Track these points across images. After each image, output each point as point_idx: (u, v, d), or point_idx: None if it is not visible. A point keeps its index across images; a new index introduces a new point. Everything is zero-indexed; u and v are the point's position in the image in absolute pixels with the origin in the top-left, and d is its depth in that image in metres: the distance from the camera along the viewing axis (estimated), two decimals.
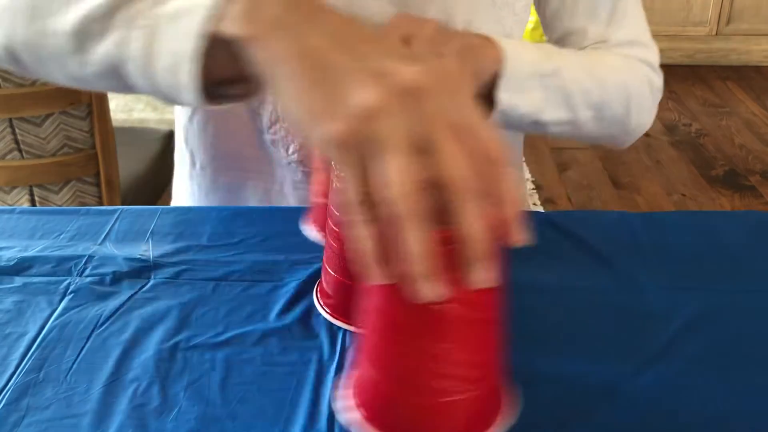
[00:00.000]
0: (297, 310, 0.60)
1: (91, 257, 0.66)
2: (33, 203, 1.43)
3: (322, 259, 0.60)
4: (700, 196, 2.44)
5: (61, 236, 0.70)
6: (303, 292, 0.62)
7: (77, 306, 0.60)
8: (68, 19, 0.53)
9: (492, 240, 0.39)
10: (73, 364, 0.54)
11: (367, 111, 0.39)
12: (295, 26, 0.42)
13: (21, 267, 0.65)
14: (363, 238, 0.39)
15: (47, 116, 1.34)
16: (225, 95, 0.51)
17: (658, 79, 0.81)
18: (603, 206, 2.36)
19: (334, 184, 0.56)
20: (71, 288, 0.62)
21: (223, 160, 0.85)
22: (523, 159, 0.98)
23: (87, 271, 0.64)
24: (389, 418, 0.48)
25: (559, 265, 0.66)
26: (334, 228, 0.57)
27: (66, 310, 0.60)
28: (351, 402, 0.50)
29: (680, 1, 3.40)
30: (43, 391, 0.52)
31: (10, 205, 1.36)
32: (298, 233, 0.70)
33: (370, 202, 0.39)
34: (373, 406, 0.48)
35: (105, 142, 1.38)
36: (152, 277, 0.64)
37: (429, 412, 0.47)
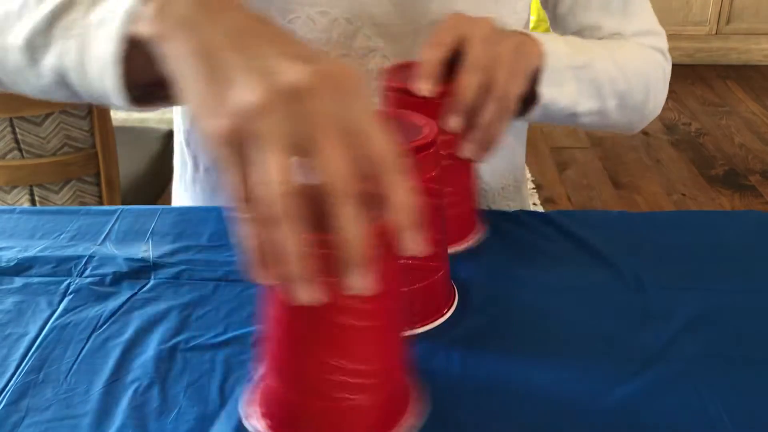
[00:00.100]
0: None
1: (91, 257, 0.66)
2: (33, 203, 1.43)
3: None
4: (700, 196, 2.44)
5: (61, 236, 0.70)
6: None
7: (77, 306, 0.60)
8: (19, 34, 0.55)
9: (372, 246, 0.39)
10: (73, 364, 0.54)
11: (247, 109, 0.39)
12: (199, 24, 0.43)
13: (21, 267, 0.65)
14: (246, 237, 0.39)
15: (47, 116, 1.34)
16: (156, 98, 0.51)
17: (668, 66, 0.84)
18: (603, 206, 2.36)
19: None
20: (71, 288, 0.62)
21: None
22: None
23: (87, 272, 0.64)
24: (292, 426, 0.47)
25: (559, 265, 0.66)
26: None
27: (66, 310, 0.60)
28: (256, 411, 0.49)
29: (680, 1, 3.40)
30: (43, 391, 0.52)
31: (10, 205, 1.36)
32: None
33: (252, 200, 0.39)
34: (276, 414, 0.48)
35: (105, 141, 1.38)
36: (152, 277, 0.64)
37: (329, 419, 0.46)
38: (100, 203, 1.45)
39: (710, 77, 3.37)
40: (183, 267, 0.65)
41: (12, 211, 0.74)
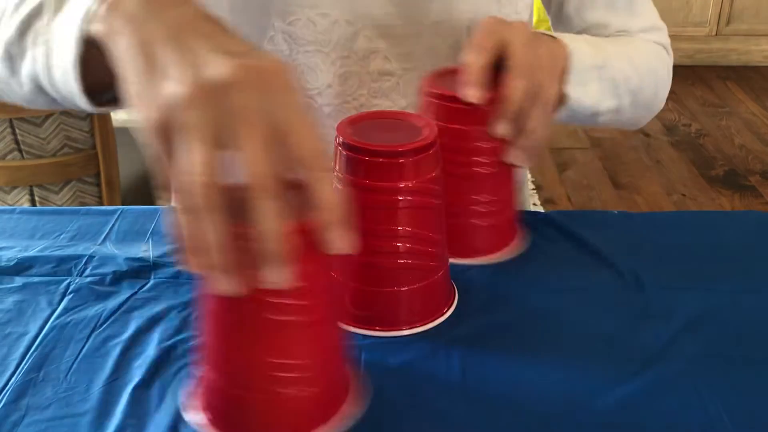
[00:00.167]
0: None
1: (91, 257, 0.66)
2: (33, 203, 1.43)
3: None
4: (700, 196, 2.44)
5: (61, 236, 0.70)
6: None
7: (77, 306, 0.60)
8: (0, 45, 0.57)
9: (290, 242, 0.40)
10: (73, 363, 0.54)
11: (174, 101, 0.39)
12: (143, 21, 0.44)
13: (21, 267, 0.65)
14: (177, 226, 0.40)
15: (47, 116, 1.34)
16: (120, 97, 0.51)
17: (671, 61, 0.85)
18: (603, 206, 2.36)
19: (333, 185, 0.56)
20: (71, 288, 0.62)
21: (234, 160, 0.85)
22: None
23: (87, 271, 0.64)
24: (229, 419, 0.48)
25: (559, 265, 0.66)
26: None
27: (66, 310, 0.60)
28: (196, 404, 0.50)
29: (680, 1, 3.40)
30: (43, 390, 0.52)
31: (10, 205, 1.36)
32: None
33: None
34: (214, 407, 0.49)
35: (105, 142, 1.38)
36: (152, 277, 0.64)
37: (265, 411, 0.47)
38: (100, 203, 1.45)
39: (710, 78, 3.37)
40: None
41: (12, 211, 0.74)
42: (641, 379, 0.53)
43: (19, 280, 0.63)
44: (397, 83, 0.78)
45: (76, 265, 0.65)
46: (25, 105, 0.63)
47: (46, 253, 0.67)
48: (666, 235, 0.71)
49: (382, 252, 0.56)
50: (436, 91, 0.62)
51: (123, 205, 0.99)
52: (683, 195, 2.45)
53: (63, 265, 0.65)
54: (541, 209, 2.28)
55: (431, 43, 0.77)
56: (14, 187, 1.42)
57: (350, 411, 0.50)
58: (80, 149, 1.41)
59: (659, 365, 0.54)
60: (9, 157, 1.38)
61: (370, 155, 0.53)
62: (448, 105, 0.61)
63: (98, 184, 1.46)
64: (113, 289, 0.62)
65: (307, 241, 0.42)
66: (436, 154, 0.56)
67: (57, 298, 0.61)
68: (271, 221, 0.39)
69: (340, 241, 0.41)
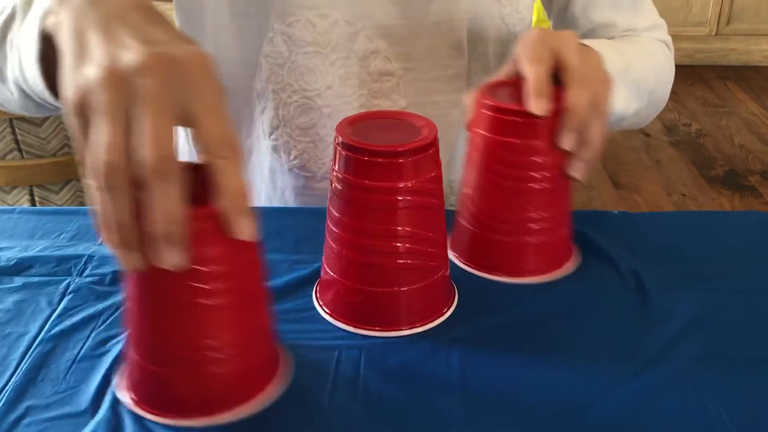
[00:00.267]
0: (296, 310, 0.60)
1: (91, 257, 0.66)
2: (33, 203, 1.43)
3: (321, 259, 0.60)
4: (700, 196, 2.44)
5: (61, 236, 0.70)
6: (302, 292, 0.62)
7: (77, 305, 0.60)
8: None
9: (186, 225, 0.41)
10: (73, 363, 0.54)
11: (88, 83, 0.41)
12: (82, 11, 0.46)
13: (21, 267, 0.65)
14: (94, 204, 0.42)
15: (47, 117, 1.34)
16: None
17: (672, 58, 0.85)
18: (603, 206, 2.36)
19: (332, 185, 0.56)
20: (71, 288, 0.62)
21: None
22: None
23: (87, 271, 0.64)
24: (152, 396, 0.50)
25: None
26: (334, 228, 0.57)
27: (66, 309, 0.60)
28: (122, 383, 0.52)
29: (680, 1, 3.40)
30: (42, 390, 0.52)
31: (10, 205, 1.36)
32: (298, 233, 0.70)
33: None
34: (138, 386, 0.50)
35: None
36: None
37: (186, 389, 0.49)
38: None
39: (710, 78, 3.37)
40: None
41: (12, 211, 0.74)
42: (641, 379, 0.53)
43: (18, 280, 0.63)
44: (397, 83, 0.78)
45: (75, 265, 0.65)
46: (24, 113, 0.66)
47: (46, 253, 0.67)
48: (666, 235, 0.71)
49: (381, 252, 0.56)
50: (492, 103, 0.60)
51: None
52: (683, 195, 2.45)
53: (63, 265, 0.65)
54: None
55: (431, 43, 0.77)
56: (14, 187, 1.42)
57: (275, 389, 0.51)
58: None
59: (659, 365, 0.54)
60: (9, 157, 1.38)
61: (370, 155, 0.53)
62: (503, 118, 0.59)
63: None
64: (113, 289, 0.62)
65: (216, 226, 0.43)
66: (435, 154, 0.56)
67: (57, 298, 0.61)
68: (166, 203, 0.40)
69: (242, 227, 0.43)
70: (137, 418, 0.49)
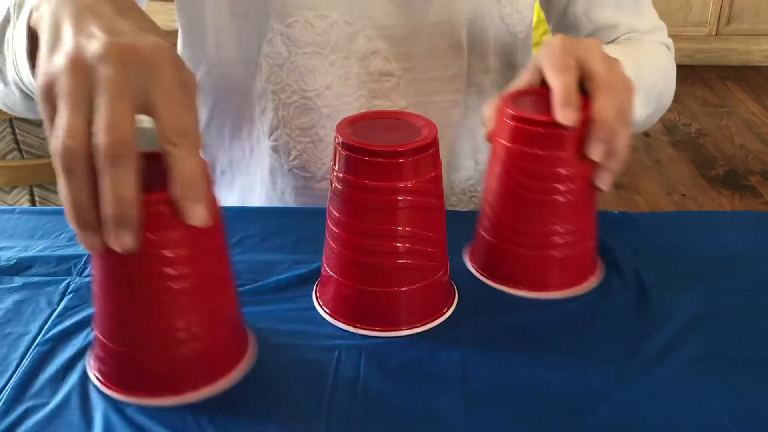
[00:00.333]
0: (296, 310, 0.60)
1: (90, 257, 0.66)
2: (33, 203, 1.43)
3: (321, 259, 0.60)
4: (700, 196, 2.44)
5: (61, 236, 0.70)
6: (302, 292, 0.62)
7: (77, 305, 0.60)
8: None
9: (135, 210, 0.43)
10: (73, 363, 0.54)
11: (55, 70, 0.43)
12: (60, 5, 0.47)
13: (21, 267, 0.65)
14: (60, 188, 0.43)
15: None
16: None
17: (673, 59, 0.86)
18: (603, 206, 2.34)
19: (332, 185, 0.56)
20: (71, 287, 0.62)
21: (239, 162, 0.86)
22: None
23: (86, 271, 0.64)
24: (118, 376, 0.51)
25: None
26: (334, 228, 0.57)
27: (66, 309, 0.60)
28: (91, 364, 0.53)
29: (680, 1, 3.40)
30: (42, 390, 0.52)
31: (10, 205, 1.36)
32: (298, 233, 0.70)
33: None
34: (104, 366, 0.52)
35: None
36: None
37: (153, 370, 0.50)
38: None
39: (710, 78, 3.37)
40: None
41: (12, 211, 0.74)
42: (641, 379, 0.53)
43: (18, 280, 0.63)
44: (397, 84, 0.78)
45: (75, 265, 0.65)
46: (31, 115, 0.67)
47: (46, 252, 0.67)
48: (666, 235, 0.71)
49: (381, 252, 0.56)
50: (515, 113, 0.58)
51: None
52: (683, 195, 2.45)
53: (62, 265, 0.65)
54: None
55: (431, 44, 0.77)
56: (14, 187, 1.42)
57: (240, 369, 0.53)
58: None
59: (659, 365, 0.54)
60: (9, 157, 1.38)
61: (370, 155, 0.53)
62: (528, 128, 0.58)
63: None
64: None
65: (167, 212, 0.45)
66: (435, 154, 0.56)
67: (57, 298, 0.61)
68: (118, 187, 0.42)
69: (193, 212, 0.44)
70: (108, 400, 0.51)
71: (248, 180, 0.87)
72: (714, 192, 2.46)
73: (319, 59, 0.75)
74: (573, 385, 0.53)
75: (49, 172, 1.40)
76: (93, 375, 0.53)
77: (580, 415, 0.50)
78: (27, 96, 0.61)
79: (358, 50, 0.76)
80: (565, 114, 0.56)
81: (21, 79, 0.59)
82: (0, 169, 1.37)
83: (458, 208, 0.87)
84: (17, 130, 1.36)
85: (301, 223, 0.72)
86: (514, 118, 0.58)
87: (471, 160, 0.85)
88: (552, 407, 0.51)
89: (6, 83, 0.65)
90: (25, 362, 0.54)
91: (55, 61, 0.44)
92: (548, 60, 0.60)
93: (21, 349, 0.56)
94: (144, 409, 0.50)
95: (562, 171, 0.58)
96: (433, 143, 0.55)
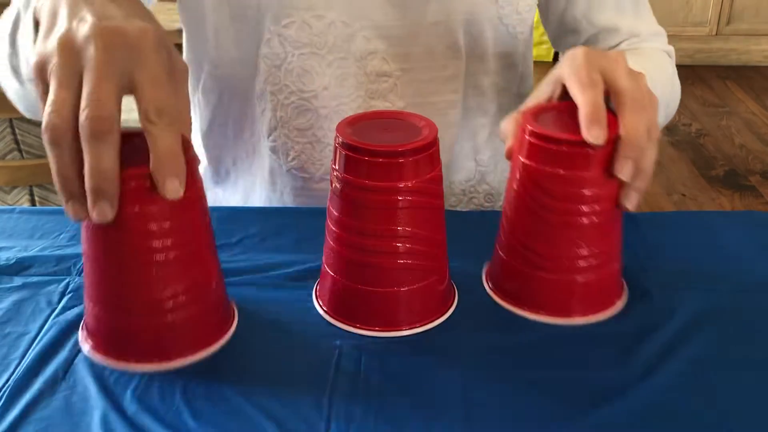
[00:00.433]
0: (296, 310, 0.60)
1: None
2: (33, 203, 1.43)
3: (321, 259, 0.60)
4: (700, 196, 2.44)
5: (61, 236, 0.70)
6: (302, 292, 0.62)
7: (77, 305, 0.60)
8: (4, 61, 0.67)
9: (113, 183, 0.45)
10: (72, 363, 0.54)
11: (48, 51, 0.46)
12: None
13: (20, 267, 0.65)
14: (49, 160, 0.46)
15: None
16: None
17: (674, 66, 0.85)
18: None
19: (333, 185, 0.56)
20: (70, 287, 0.62)
21: (242, 163, 0.86)
22: None
23: None
24: (110, 344, 0.54)
25: None
26: (334, 228, 0.57)
27: (65, 309, 0.60)
28: (83, 335, 0.56)
29: (680, 1, 3.40)
30: (42, 390, 0.52)
31: (10, 205, 1.36)
32: (298, 233, 0.70)
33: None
34: (97, 334, 0.54)
35: None
36: None
37: (143, 336, 0.53)
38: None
39: (710, 78, 3.37)
40: None
41: (12, 211, 0.74)
42: (641, 380, 0.53)
43: (18, 280, 0.63)
44: (394, 84, 0.78)
45: (75, 265, 0.65)
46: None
47: (46, 252, 0.67)
48: (666, 235, 0.71)
49: (381, 252, 0.56)
50: (539, 131, 0.55)
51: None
52: (683, 195, 2.45)
53: (62, 265, 0.65)
54: None
55: (428, 44, 0.77)
56: (14, 187, 1.42)
57: (225, 336, 0.56)
58: None
59: (659, 365, 0.54)
60: (9, 156, 1.38)
61: (370, 155, 0.53)
62: (551, 147, 0.54)
63: None
64: None
65: (149, 186, 0.47)
66: (435, 154, 0.56)
67: (56, 298, 0.61)
68: (98, 160, 0.44)
69: (167, 186, 0.47)
70: (108, 399, 0.51)
71: (250, 180, 0.87)
72: (714, 192, 2.46)
73: (316, 60, 0.75)
74: (573, 386, 0.53)
75: (49, 172, 1.40)
76: (84, 344, 0.55)
77: (580, 415, 0.50)
78: None
79: (356, 51, 0.75)
80: (592, 132, 0.53)
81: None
82: (0, 169, 1.37)
83: (458, 209, 0.87)
84: (17, 130, 1.35)
85: (300, 223, 0.72)
86: (536, 135, 0.55)
87: (471, 160, 0.85)
88: (552, 407, 0.51)
89: (22, 82, 0.67)
90: (25, 362, 0.54)
91: (48, 43, 0.47)
92: (573, 74, 0.56)
93: (21, 349, 0.56)
94: (144, 409, 0.50)
95: (587, 191, 0.55)
96: (433, 143, 0.55)
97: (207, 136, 0.86)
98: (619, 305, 0.61)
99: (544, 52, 3.18)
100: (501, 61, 0.81)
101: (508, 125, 0.60)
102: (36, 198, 1.43)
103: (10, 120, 1.33)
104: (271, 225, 0.72)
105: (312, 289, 0.62)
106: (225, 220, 0.72)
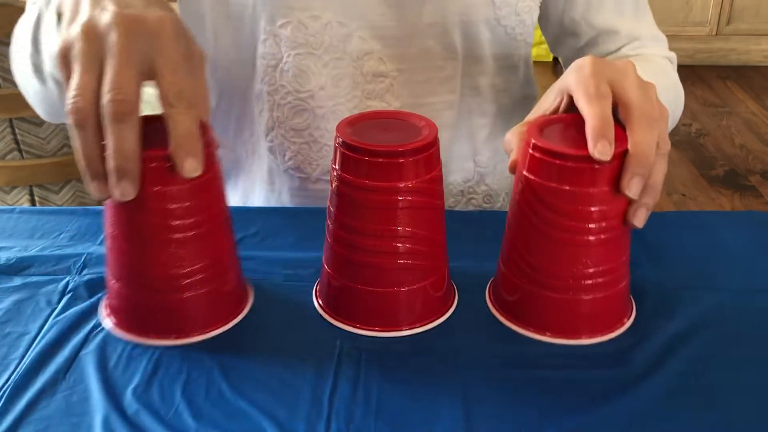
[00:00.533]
0: (296, 310, 0.60)
1: (90, 256, 0.66)
2: (33, 203, 1.43)
3: (321, 259, 0.60)
4: (700, 196, 2.44)
5: (61, 236, 0.70)
6: (302, 292, 0.62)
7: (77, 305, 0.60)
8: (26, 62, 0.69)
9: (134, 163, 0.48)
10: (72, 363, 0.54)
11: (71, 37, 0.48)
12: None
13: (20, 266, 0.65)
14: (73, 142, 0.48)
15: None
16: None
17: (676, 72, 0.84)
18: None
19: (333, 185, 0.56)
20: (70, 287, 0.62)
21: (242, 163, 0.86)
22: None
23: (86, 270, 0.64)
24: (132, 319, 0.56)
25: None
26: (334, 228, 0.57)
27: (65, 309, 0.60)
28: (105, 312, 0.58)
29: (680, 1, 3.40)
30: (42, 390, 0.52)
31: (10, 205, 1.36)
32: (298, 233, 0.70)
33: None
34: (120, 310, 0.57)
35: None
36: None
37: (164, 311, 0.55)
38: (100, 204, 1.44)
39: (710, 78, 3.37)
40: None
41: (12, 211, 0.74)
42: (641, 380, 0.53)
43: (18, 280, 0.63)
44: (390, 85, 0.78)
45: (74, 264, 0.65)
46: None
47: (46, 252, 0.67)
48: (666, 235, 0.71)
49: (381, 252, 0.56)
50: (543, 145, 0.53)
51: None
52: (683, 195, 2.45)
53: (62, 264, 0.65)
54: None
55: (424, 45, 0.77)
56: (14, 187, 1.42)
57: (242, 313, 0.59)
58: None
59: (659, 366, 0.54)
60: (9, 156, 1.38)
61: (370, 155, 0.53)
62: (557, 162, 0.52)
63: None
64: None
65: (169, 167, 0.49)
66: (435, 154, 0.56)
67: (56, 298, 0.61)
68: (119, 141, 0.46)
69: (186, 165, 0.49)
70: (108, 400, 0.51)
71: (250, 180, 0.87)
72: (714, 192, 2.46)
73: (312, 60, 0.75)
74: (573, 386, 0.53)
75: (48, 172, 1.40)
76: (106, 320, 0.58)
77: (579, 415, 0.50)
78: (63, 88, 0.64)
79: (352, 51, 0.75)
80: (598, 147, 0.51)
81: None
82: (0, 169, 1.37)
83: (457, 209, 0.87)
84: (17, 130, 1.35)
85: (300, 223, 0.72)
86: (540, 149, 0.53)
87: (470, 161, 0.85)
88: (552, 407, 0.51)
89: (43, 80, 0.69)
90: (25, 362, 0.54)
91: (72, 30, 0.49)
92: (580, 85, 0.54)
93: (21, 349, 0.56)
94: (144, 409, 0.50)
95: (594, 208, 0.53)
96: (434, 143, 0.55)
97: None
98: (627, 324, 0.59)
99: (544, 52, 3.18)
100: (499, 62, 0.81)
101: (512, 137, 0.58)
102: (36, 198, 1.43)
103: (10, 120, 1.33)
104: (271, 225, 0.72)
105: (312, 289, 0.62)
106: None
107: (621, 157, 0.52)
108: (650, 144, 0.52)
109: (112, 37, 0.47)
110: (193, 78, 0.50)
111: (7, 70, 1.25)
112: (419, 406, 0.51)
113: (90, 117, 0.47)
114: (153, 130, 0.49)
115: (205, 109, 0.51)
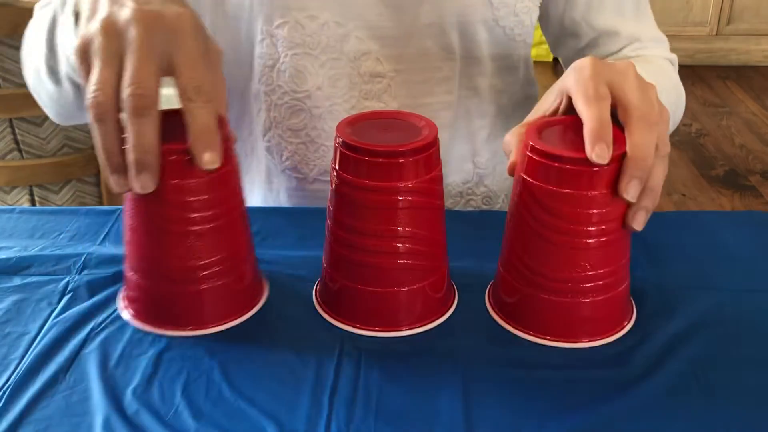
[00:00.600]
0: (296, 310, 0.60)
1: (90, 256, 0.66)
2: (33, 203, 1.43)
3: (321, 259, 0.60)
4: (700, 196, 2.44)
5: (61, 236, 0.70)
6: (302, 292, 0.62)
7: (76, 305, 0.60)
8: (41, 61, 0.69)
9: (154, 156, 0.48)
10: (72, 363, 0.54)
11: (90, 33, 0.49)
12: None
13: (20, 266, 0.65)
14: (94, 136, 0.49)
15: (47, 116, 1.34)
16: None
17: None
18: None
19: (333, 185, 0.56)
20: (70, 287, 0.62)
21: (241, 163, 0.86)
22: None
23: (86, 270, 0.64)
24: (150, 310, 0.57)
25: None
26: (334, 228, 0.57)
27: (65, 309, 0.60)
28: (123, 304, 0.59)
29: (680, 1, 3.40)
30: (42, 390, 0.52)
31: (10, 205, 1.36)
32: (298, 232, 0.70)
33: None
34: (138, 301, 0.58)
35: None
36: None
37: (182, 303, 0.56)
38: (100, 203, 1.45)
39: (710, 78, 3.37)
40: None
41: (12, 211, 0.74)
42: (642, 380, 0.53)
43: (18, 280, 0.63)
44: (388, 85, 0.77)
45: (74, 264, 0.65)
46: (84, 118, 0.70)
47: (46, 252, 0.67)
48: (666, 235, 0.71)
49: (381, 252, 0.56)
50: (541, 148, 0.53)
51: (123, 205, 0.99)
52: (683, 195, 2.45)
53: (62, 264, 0.65)
54: None
55: (422, 45, 0.76)
56: (14, 187, 1.42)
57: (257, 305, 0.60)
58: (80, 149, 1.41)
59: (659, 366, 0.54)
60: (9, 157, 1.38)
61: (370, 155, 0.53)
62: (555, 165, 0.52)
63: (98, 184, 1.46)
64: (112, 289, 0.62)
65: (188, 160, 0.50)
66: (435, 154, 0.56)
67: (56, 298, 0.61)
68: (139, 135, 0.47)
69: (204, 158, 0.49)
70: (108, 400, 0.51)
71: (249, 180, 0.87)
72: (714, 192, 2.46)
73: (309, 60, 0.75)
74: (573, 386, 0.53)
75: (48, 172, 1.40)
76: (125, 312, 0.59)
77: (579, 415, 0.50)
78: (79, 90, 0.64)
79: (349, 51, 0.75)
80: (596, 150, 0.50)
81: (74, 69, 0.63)
82: (0, 169, 1.37)
83: (456, 210, 0.87)
84: (17, 130, 1.35)
85: (301, 223, 0.72)
86: (539, 152, 0.53)
87: (469, 162, 0.85)
88: (552, 407, 0.51)
89: (59, 82, 0.69)
90: (25, 362, 0.54)
91: (91, 26, 0.49)
92: (579, 86, 0.54)
93: (21, 349, 0.56)
94: (144, 409, 0.50)
95: (593, 211, 0.53)
96: (434, 143, 0.55)
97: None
98: (627, 327, 0.59)
99: (544, 52, 3.17)
100: (498, 62, 0.81)
101: (512, 139, 0.57)
102: (36, 198, 1.43)
103: (10, 120, 1.33)
104: (271, 224, 0.72)
105: (312, 289, 0.62)
106: None
107: (620, 159, 0.52)
108: (649, 146, 0.52)
109: (132, 33, 0.48)
110: (211, 73, 0.50)
111: (7, 70, 1.25)
112: (419, 406, 0.51)
113: (110, 111, 0.48)
114: (172, 124, 0.50)
115: (222, 104, 0.52)
